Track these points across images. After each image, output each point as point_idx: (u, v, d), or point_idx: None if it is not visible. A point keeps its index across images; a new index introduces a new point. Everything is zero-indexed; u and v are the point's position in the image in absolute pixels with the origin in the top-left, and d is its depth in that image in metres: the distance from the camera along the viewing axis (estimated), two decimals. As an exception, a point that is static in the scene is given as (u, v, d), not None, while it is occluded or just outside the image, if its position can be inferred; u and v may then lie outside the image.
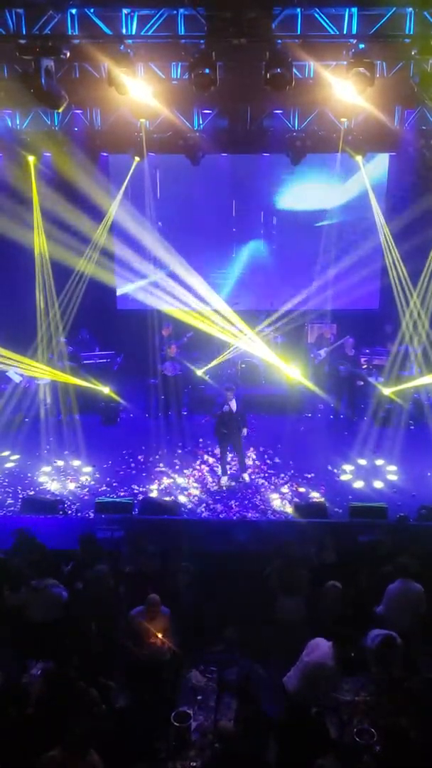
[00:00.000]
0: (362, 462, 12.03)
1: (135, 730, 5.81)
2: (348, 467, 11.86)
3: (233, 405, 11.03)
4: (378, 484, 11.31)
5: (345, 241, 14.97)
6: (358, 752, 5.71)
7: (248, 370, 15.04)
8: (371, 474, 11.63)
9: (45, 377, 13.51)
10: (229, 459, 11.65)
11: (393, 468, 11.82)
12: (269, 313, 15.48)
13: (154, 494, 10.95)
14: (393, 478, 11.55)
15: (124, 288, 16.21)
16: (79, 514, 10.34)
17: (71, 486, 11.32)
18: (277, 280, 15.93)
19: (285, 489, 11.17)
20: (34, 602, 7.37)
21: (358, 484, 11.32)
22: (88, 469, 11.85)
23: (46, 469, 11.95)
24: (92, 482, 11.42)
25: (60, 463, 12.09)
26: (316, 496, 10.92)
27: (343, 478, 11.56)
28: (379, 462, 12.02)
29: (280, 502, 10.77)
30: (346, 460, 12.06)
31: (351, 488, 11.21)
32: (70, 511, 10.39)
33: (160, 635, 6.82)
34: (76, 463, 12.04)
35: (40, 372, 13.42)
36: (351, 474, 11.67)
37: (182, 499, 10.84)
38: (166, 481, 11.47)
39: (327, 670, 6.10)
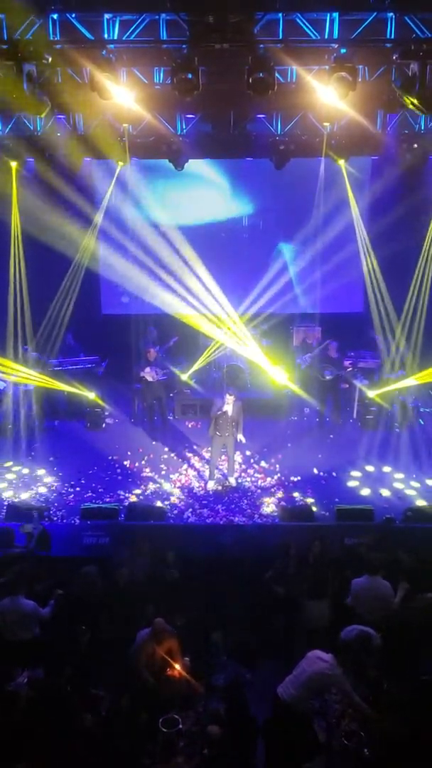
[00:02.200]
0: (348, 464, 12.05)
1: (123, 736, 5.77)
2: (333, 470, 11.87)
3: (229, 409, 11.03)
4: (365, 487, 11.34)
5: (330, 244, 14.98)
6: (347, 755, 5.71)
7: (234, 375, 15.03)
8: (358, 476, 11.64)
9: (28, 383, 13.41)
10: (217, 463, 11.62)
11: (378, 470, 11.86)
12: (254, 315, 15.53)
13: (140, 500, 10.90)
14: (380, 480, 11.57)
15: (109, 292, 16.15)
16: (64, 521, 10.28)
17: (43, 490, 11.27)
18: (264, 282, 15.97)
19: (271, 493, 11.16)
20: (6, 620, 7.17)
21: (345, 487, 11.34)
22: (50, 478, 11.77)
23: (29, 472, 11.91)
24: (78, 488, 11.35)
25: (29, 470, 12.01)
26: (302, 499, 10.92)
27: (329, 480, 11.57)
28: (366, 465, 12.04)
29: (266, 505, 10.76)
30: (332, 463, 12.07)
31: (337, 490, 11.22)
32: (55, 518, 10.31)
33: (177, 666, 6.70)
34: (45, 475, 11.93)
35: (22, 378, 13.30)
36: (336, 476, 11.68)
37: (168, 504, 10.80)
38: (152, 486, 11.43)
39: (333, 681, 6.08)
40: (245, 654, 7.16)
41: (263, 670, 6.98)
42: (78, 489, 11.34)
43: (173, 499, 10.97)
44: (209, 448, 11.72)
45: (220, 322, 14.80)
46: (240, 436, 11.30)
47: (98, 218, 14.34)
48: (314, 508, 10.31)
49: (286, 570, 8.01)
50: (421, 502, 10.69)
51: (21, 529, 9.10)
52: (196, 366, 14.56)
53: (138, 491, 11.26)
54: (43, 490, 11.31)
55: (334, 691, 6.20)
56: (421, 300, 13.84)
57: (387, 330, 14.02)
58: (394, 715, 5.87)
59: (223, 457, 11.63)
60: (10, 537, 9.03)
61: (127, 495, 11.10)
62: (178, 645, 6.86)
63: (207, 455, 12.01)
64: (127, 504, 10.47)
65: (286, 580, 7.91)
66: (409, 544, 8.66)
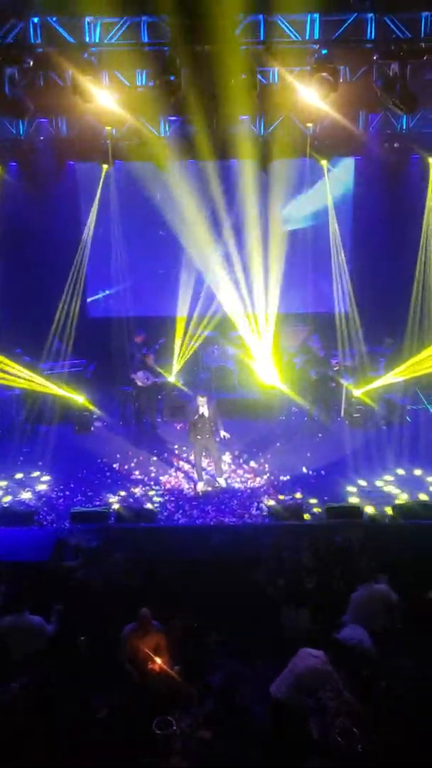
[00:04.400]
0: (338, 463, 12.09)
1: (117, 738, 5.76)
2: (322, 469, 11.90)
3: (205, 410, 11.05)
4: (352, 485, 11.37)
5: (320, 244, 15.02)
6: (341, 753, 5.73)
7: (222, 375, 15.06)
8: (346, 474, 11.68)
9: (15, 387, 13.35)
10: (205, 464, 11.63)
11: (367, 467, 11.90)
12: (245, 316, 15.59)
13: (130, 502, 10.89)
14: (367, 477, 11.61)
15: (96, 295, 16.13)
16: (54, 525, 10.24)
17: (32, 494, 11.22)
18: (253, 284, 16.00)
19: (261, 492, 11.18)
20: (13, 637, 6.98)
21: (335, 485, 11.36)
22: (39, 483, 11.70)
23: (18, 476, 11.85)
24: (67, 492, 11.32)
25: (19, 475, 11.94)
26: (292, 498, 10.95)
27: (318, 479, 11.60)
28: (357, 463, 12.08)
29: (256, 505, 10.78)
30: (320, 462, 12.11)
31: (327, 489, 11.24)
32: (45, 522, 10.28)
33: (159, 660, 6.67)
34: (44, 476, 11.88)
35: (9, 381, 13.24)
36: (325, 475, 11.70)
37: (158, 505, 10.79)
38: (142, 488, 11.42)
39: (323, 676, 6.10)
40: (240, 654, 7.17)
41: (258, 669, 6.98)
42: (67, 493, 11.30)
43: (163, 501, 10.95)
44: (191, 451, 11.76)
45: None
46: (222, 433, 11.28)
47: (92, 221, 14.29)
48: (317, 509, 10.34)
49: (277, 572, 8.04)
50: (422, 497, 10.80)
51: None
52: (179, 364, 14.55)
53: (136, 490, 11.29)
54: (32, 494, 11.26)
55: (328, 689, 6.22)
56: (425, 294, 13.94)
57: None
58: (389, 714, 5.92)
59: (208, 460, 11.63)
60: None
61: (117, 498, 11.08)
62: (166, 642, 6.87)
63: (193, 459, 12.00)
64: (117, 507, 10.47)
65: (277, 583, 7.93)
66: (398, 541, 8.72)
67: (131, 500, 11.01)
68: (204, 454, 11.45)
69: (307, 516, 10.24)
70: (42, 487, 11.48)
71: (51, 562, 8.59)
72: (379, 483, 11.40)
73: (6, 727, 5.76)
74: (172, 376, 14.40)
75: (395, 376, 13.33)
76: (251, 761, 5.90)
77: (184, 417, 11.73)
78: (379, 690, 6.38)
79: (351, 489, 11.21)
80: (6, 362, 13.10)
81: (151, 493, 11.26)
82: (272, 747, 5.98)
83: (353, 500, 10.79)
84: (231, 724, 5.87)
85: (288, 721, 5.98)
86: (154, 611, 7.07)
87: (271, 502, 10.64)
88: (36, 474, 11.94)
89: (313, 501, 10.82)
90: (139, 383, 13.35)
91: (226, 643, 7.29)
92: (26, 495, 11.23)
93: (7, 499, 11.12)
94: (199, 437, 11.21)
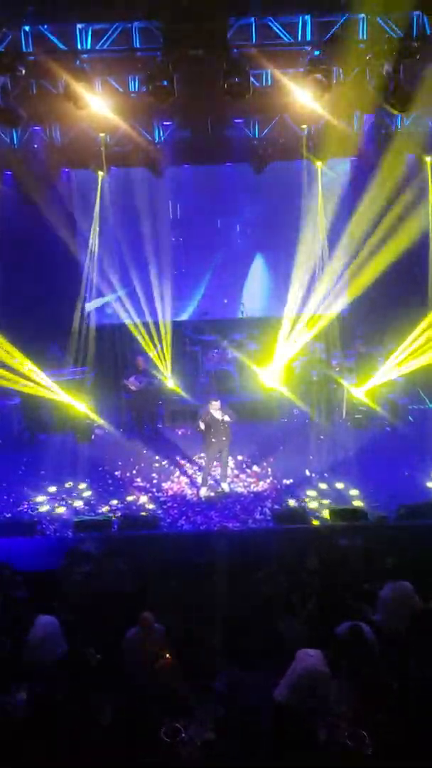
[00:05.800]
0: (339, 464, 12.05)
1: (119, 742, 5.70)
2: (325, 471, 11.84)
3: (218, 414, 10.99)
4: (356, 487, 11.32)
5: (313, 246, 15.01)
6: (348, 756, 5.68)
7: (222, 379, 15.01)
8: (349, 476, 11.63)
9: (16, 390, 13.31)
10: (211, 470, 11.56)
11: (370, 469, 11.84)
12: (241, 320, 15.57)
13: (132, 510, 10.84)
14: (370, 479, 11.55)
15: (94, 303, 16.12)
16: (57, 534, 10.19)
17: (52, 507, 11.14)
18: (250, 286, 16.03)
19: (265, 496, 11.13)
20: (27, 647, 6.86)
21: (337, 487, 11.32)
22: (41, 492, 11.60)
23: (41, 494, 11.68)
24: (69, 501, 11.26)
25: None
26: (295, 501, 10.89)
27: (321, 482, 11.55)
28: (361, 465, 12.04)
29: (260, 510, 10.72)
30: (323, 465, 12.06)
31: (331, 492, 11.20)
32: (48, 532, 10.22)
33: (161, 664, 6.62)
34: (52, 489, 11.78)
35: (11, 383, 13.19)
36: (328, 477, 11.66)
37: (161, 512, 10.74)
38: (144, 495, 11.37)
39: (320, 675, 6.06)
40: (243, 658, 7.12)
41: (261, 673, 6.93)
42: (70, 502, 11.25)
43: (166, 507, 10.89)
44: (201, 455, 11.66)
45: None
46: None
47: (92, 231, 14.28)
48: (325, 516, 10.25)
49: (281, 576, 7.99)
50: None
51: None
52: (167, 366, 14.54)
53: (139, 497, 11.24)
54: (65, 508, 11.14)
55: (326, 689, 6.18)
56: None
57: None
58: (390, 714, 5.87)
59: (215, 463, 11.57)
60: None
61: (119, 505, 11.02)
62: (168, 645, 6.83)
63: (200, 461, 11.93)
64: (119, 514, 10.41)
65: (281, 587, 7.88)
66: (403, 542, 8.66)
67: (134, 507, 10.96)
68: (215, 457, 11.37)
69: (315, 522, 10.17)
70: (44, 497, 11.39)
71: (62, 570, 8.53)
72: (374, 484, 11.35)
73: (6, 728, 5.71)
74: (169, 379, 14.36)
75: (392, 371, 13.30)
76: (256, 764, 5.86)
77: (195, 426, 11.50)
78: (379, 690, 6.33)
79: (355, 491, 11.15)
80: (13, 355, 13.04)
81: (151, 506, 11.17)
82: (277, 751, 5.94)
83: (357, 502, 10.74)
84: (235, 728, 5.83)
85: (292, 725, 5.94)
86: (158, 617, 7.03)
87: (270, 516, 10.60)
88: (38, 484, 11.83)
89: (316, 504, 10.78)
90: (133, 387, 13.32)
91: (230, 648, 7.24)
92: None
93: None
94: (214, 440, 11.13)
